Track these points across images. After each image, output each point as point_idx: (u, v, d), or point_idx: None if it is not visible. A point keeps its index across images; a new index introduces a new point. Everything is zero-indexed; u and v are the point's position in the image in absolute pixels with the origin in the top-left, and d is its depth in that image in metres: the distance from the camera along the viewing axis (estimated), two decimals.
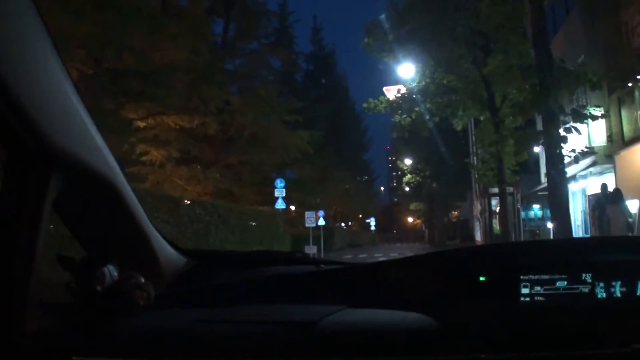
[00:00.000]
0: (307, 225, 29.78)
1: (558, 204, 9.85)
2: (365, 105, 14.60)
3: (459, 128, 15.74)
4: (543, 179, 20.53)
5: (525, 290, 1.29)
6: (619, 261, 1.30)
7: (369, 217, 72.10)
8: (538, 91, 9.91)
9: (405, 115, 14.69)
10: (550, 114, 9.73)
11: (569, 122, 10.17)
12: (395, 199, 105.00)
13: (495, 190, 18.04)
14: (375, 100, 14.53)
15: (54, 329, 1.07)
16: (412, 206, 51.51)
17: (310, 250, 24.80)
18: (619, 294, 1.27)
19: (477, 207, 22.17)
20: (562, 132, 9.89)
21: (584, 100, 14.86)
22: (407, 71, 15.05)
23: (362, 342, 1.09)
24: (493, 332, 1.13)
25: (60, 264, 1.15)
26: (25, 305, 0.97)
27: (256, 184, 22.23)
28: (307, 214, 29.84)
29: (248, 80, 20.45)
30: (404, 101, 14.49)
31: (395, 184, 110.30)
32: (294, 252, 2.17)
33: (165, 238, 1.51)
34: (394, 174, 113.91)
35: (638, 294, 1.26)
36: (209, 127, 17.99)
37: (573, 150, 10.48)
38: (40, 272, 1.00)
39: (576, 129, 10.01)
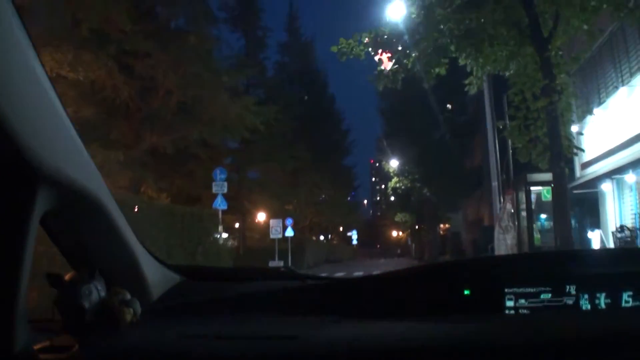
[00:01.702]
0: (272, 236, 24.43)
1: None
2: (335, 48, 9.29)
3: (473, 91, 10.52)
4: (579, 172, 15.45)
5: (509, 303, 1.33)
6: (603, 273, 1.34)
7: (350, 230, 66.82)
8: None
9: (395, 64, 9.48)
10: None
11: None
12: (379, 213, 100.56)
13: (541, 176, 12.82)
14: (350, 41, 9.26)
15: (42, 348, 1.07)
16: (398, 217, 46.02)
17: (275, 266, 20.56)
18: (603, 306, 1.31)
19: (505, 207, 16.31)
20: None
21: None
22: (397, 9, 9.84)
23: (347, 355, 1.09)
24: (477, 344, 1.11)
25: (48, 280, 1.13)
26: (13, 323, 0.96)
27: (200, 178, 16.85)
28: (272, 222, 24.47)
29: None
30: (393, 37, 9.27)
31: (379, 198, 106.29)
32: (281, 268, 2.08)
33: (152, 254, 1.51)
34: (378, 187, 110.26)
35: (622, 305, 1.31)
36: (119, 91, 12.62)
37: None
38: (27, 290, 0.98)
39: None
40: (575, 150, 9.60)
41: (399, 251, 72.53)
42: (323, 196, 39.64)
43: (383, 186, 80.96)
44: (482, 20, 8.26)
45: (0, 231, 0.96)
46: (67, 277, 1.18)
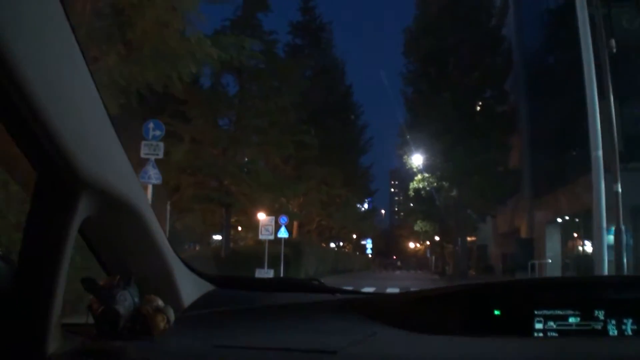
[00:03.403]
0: (261, 236, 19.70)
1: None
2: None
3: None
4: None
5: (538, 326, 1.35)
6: (631, 299, 1.35)
7: (365, 239, 61.85)
8: None
9: None
10: None
11: None
12: (397, 222, 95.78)
13: None
14: None
15: (75, 351, 1.07)
16: (418, 226, 40.79)
17: (264, 276, 16.90)
18: (630, 332, 1.32)
19: None
20: None
21: None
22: None
23: None
24: None
25: (83, 286, 1.13)
26: (48, 326, 0.98)
27: None
28: (262, 219, 19.70)
29: None
30: None
31: (397, 208, 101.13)
32: (311, 280, 1.93)
33: (185, 263, 1.55)
34: (396, 198, 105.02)
35: None
36: None
37: None
38: (63, 294, 1.01)
39: None
40: None
41: (415, 264, 67.72)
42: (336, 198, 34.75)
43: (401, 197, 75.98)
44: None
45: (41, 236, 0.99)
46: (102, 282, 1.18)
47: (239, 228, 29.68)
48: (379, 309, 1.47)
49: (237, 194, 19.99)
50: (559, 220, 23.18)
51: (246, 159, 19.86)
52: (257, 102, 19.74)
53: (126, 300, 1.17)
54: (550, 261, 23.25)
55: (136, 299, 1.21)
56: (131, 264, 1.32)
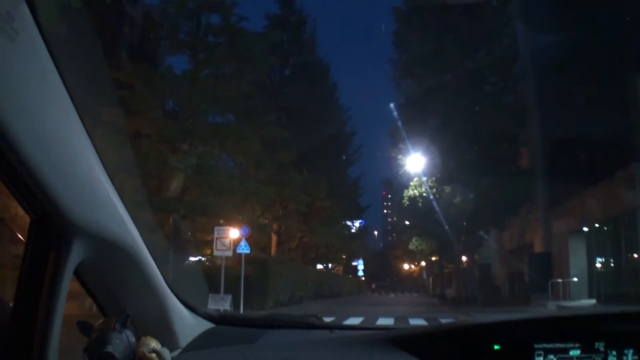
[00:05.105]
0: (216, 252, 15.56)
1: None
2: None
3: None
4: None
5: (539, 359, 1.37)
6: (631, 331, 1.40)
7: (356, 259, 57.46)
8: None
9: None
10: None
11: None
12: (390, 240, 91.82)
13: None
14: None
15: None
16: (413, 245, 36.44)
17: (219, 303, 14.05)
18: None
19: None
20: None
21: None
22: None
23: None
24: None
25: (79, 328, 1.15)
26: None
27: None
28: (217, 230, 15.56)
29: None
30: None
31: (390, 227, 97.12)
32: (310, 317, 2.00)
33: (183, 301, 1.55)
34: (389, 220, 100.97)
35: None
36: None
37: None
38: (59, 337, 1.02)
39: None
40: None
41: (410, 286, 63.67)
42: (319, 211, 30.54)
43: (394, 219, 72.06)
44: None
45: (36, 280, 1.00)
46: (98, 323, 1.19)
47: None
48: (378, 347, 1.47)
49: (189, 199, 15.83)
50: (586, 229, 19.11)
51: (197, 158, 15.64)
52: (212, 82, 15.80)
53: (122, 343, 1.16)
54: (576, 280, 19.15)
55: (132, 340, 1.21)
56: (127, 305, 1.31)
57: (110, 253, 1.16)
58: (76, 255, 1.04)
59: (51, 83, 0.90)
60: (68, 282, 1.02)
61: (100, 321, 1.20)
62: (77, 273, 1.13)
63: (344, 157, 35.45)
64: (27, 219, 1.01)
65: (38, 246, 1.00)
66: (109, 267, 1.22)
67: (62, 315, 1.00)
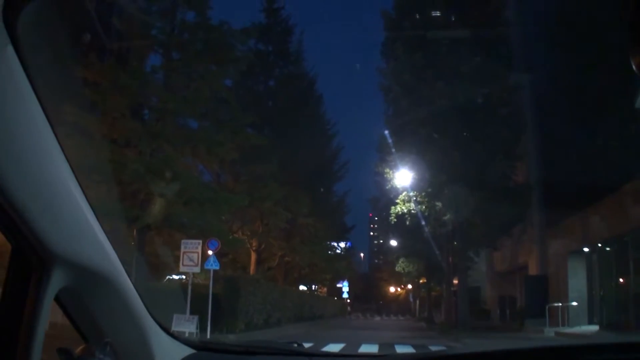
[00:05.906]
0: (182, 268, 13.97)
1: None
2: None
3: None
4: None
5: None
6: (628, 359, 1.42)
7: (340, 281, 55.68)
8: None
9: None
10: None
11: None
12: (376, 263, 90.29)
13: None
14: None
15: None
16: (400, 267, 35.04)
17: (184, 325, 12.82)
18: None
19: None
20: None
21: None
22: None
23: None
24: None
25: (59, 355, 1.12)
26: None
27: None
28: (184, 244, 13.98)
29: None
30: None
31: (377, 249, 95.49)
32: (291, 343, 2.01)
33: (164, 328, 1.55)
34: (375, 242, 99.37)
35: None
36: None
37: None
38: None
39: None
40: None
41: (396, 309, 62.10)
42: (301, 228, 29.01)
43: (380, 240, 70.65)
44: None
45: (16, 308, 0.99)
46: (78, 350, 1.17)
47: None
48: None
49: (153, 207, 14.27)
50: (586, 249, 17.80)
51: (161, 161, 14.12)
52: (184, 81, 14.42)
53: None
54: (575, 304, 17.78)
55: None
56: (107, 332, 1.31)
57: (90, 280, 1.16)
58: (56, 282, 1.04)
59: (28, 102, 0.86)
60: (49, 309, 1.02)
61: (80, 347, 1.18)
62: (57, 299, 1.12)
63: (329, 173, 34.10)
64: (9, 246, 0.99)
65: (18, 273, 1.00)
66: (89, 293, 1.22)
67: (42, 341, 0.99)
